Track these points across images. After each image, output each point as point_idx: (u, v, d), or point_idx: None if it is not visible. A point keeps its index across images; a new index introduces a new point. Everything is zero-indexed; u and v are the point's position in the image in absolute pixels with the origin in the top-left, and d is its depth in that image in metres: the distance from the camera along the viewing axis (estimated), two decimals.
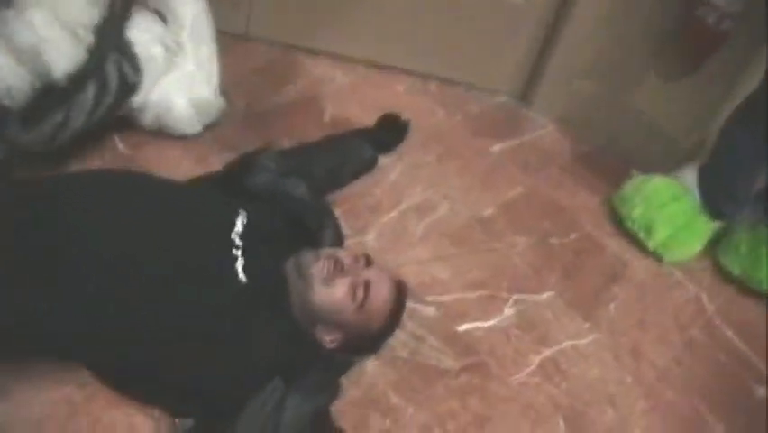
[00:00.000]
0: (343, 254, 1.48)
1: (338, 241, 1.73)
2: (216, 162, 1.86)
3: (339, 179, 1.93)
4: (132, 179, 1.50)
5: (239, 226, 1.46)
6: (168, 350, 1.32)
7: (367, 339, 1.53)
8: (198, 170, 1.83)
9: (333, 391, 1.45)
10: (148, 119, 1.86)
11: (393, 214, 1.97)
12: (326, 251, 1.50)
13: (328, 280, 1.41)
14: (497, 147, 2.29)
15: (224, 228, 1.44)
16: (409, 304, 1.68)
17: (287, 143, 2.00)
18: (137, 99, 1.78)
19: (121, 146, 1.88)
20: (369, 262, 1.51)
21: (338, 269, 1.43)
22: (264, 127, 2.07)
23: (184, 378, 1.35)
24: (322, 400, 1.40)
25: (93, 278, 1.26)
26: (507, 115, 2.43)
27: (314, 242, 1.62)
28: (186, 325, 1.32)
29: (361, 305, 1.42)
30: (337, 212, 1.84)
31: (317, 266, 1.43)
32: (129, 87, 1.72)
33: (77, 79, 1.57)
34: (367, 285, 1.43)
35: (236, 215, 1.48)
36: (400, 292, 1.54)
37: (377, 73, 2.37)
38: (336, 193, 1.91)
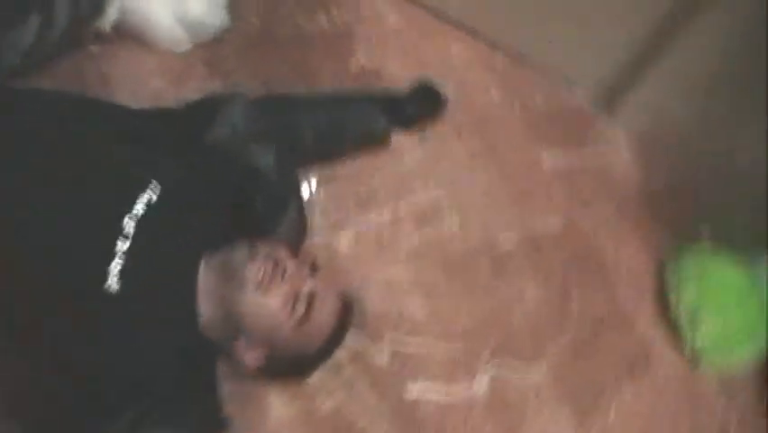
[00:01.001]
0: (285, 255, 1.18)
1: (298, 234, 1.38)
2: (195, 89, 1.50)
3: (332, 150, 1.54)
4: (44, 119, 1.16)
5: (139, 207, 1.10)
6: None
7: (296, 363, 1.24)
8: (170, 92, 1.47)
9: None
10: (123, 29, 1.46)
11: (385, 214, 1.57)
12: (265, 249, 1.18)
13: (264, 287, 1.13)
14: (549, 158, 1.82)
15: (118, 209, 1.09)
16: (358, 341, 1.32)
17: (290, 85, 1.58)
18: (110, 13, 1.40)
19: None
20: (315, 268, 1.21)
21: (277, 273, 1.14)
22: (271, 58, 1.66)
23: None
24: None
25: None
26: (577, 119, 1.93)
27: (263, 231, 1.26)
28: (37, 330, 1.06)
29: (300, 322, 1.15)
30: (316, 193, 1.45)
31: (252, 267, 1.14)
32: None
33: None
34: (310, 298, 1.16)
35: (143, 188, 1.12)
36: (347, 312, 1.25)
37: (435, 24, 1.88)
38: (323, 168, 1.51)
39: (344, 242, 1.49)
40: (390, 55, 1.78)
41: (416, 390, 1.39)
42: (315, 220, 1.45)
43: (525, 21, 1.85)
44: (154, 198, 1.12)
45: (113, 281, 1.04)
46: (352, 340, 1.36)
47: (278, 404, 1.29)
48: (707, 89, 1.82)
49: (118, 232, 1.06)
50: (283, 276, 1.15)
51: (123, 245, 1.06)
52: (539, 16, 1.81)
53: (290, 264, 1.17)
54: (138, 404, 1.04)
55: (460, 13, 1.88)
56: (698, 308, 1.68)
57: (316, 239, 1.43)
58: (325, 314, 1.20)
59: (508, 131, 1.81)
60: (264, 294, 1.13)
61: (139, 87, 1.49)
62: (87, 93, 1.38)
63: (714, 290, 1.69)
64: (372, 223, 1.54)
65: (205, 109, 1.34)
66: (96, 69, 1.48)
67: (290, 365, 1.23)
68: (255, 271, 1.13)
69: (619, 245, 1.76)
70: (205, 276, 1.15)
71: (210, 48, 1.60)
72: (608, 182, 1.85)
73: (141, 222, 1.09)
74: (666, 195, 1.85)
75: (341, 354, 1.35)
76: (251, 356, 1.17)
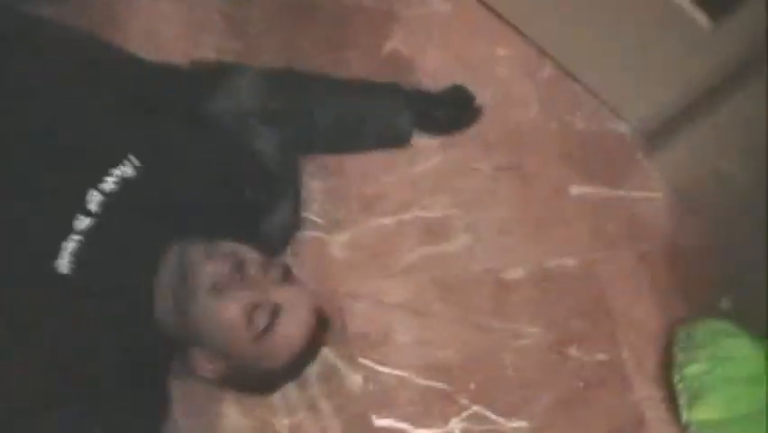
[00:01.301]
0: (251, 257, 1.04)
1: (286, 232, 1.24)
2: (210, 46, 1.36)
3: (346, 143, 1.40)
4: (24, 67, 1.03)
5: (110, 182, 0.96)
6: None
7: (256, 379, 1.11)
8: (182, 45, 1.33)
9: None
10: None
11: (388, 221, 1.43)
12: (226, 246, 1.04)
13: (219, 291, 0.99)
14: (577, 189, 1.66)
15: (83, 181, 0.95)
16: (331, 359, 1.19)
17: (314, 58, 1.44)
18: None
19: None
20: (287, 276, 1.07)
21: (237, 277, 1.01)
22: (299, 25, 1.51)
23: None
24: None
25: None
26: (615, 153, 1.75)
27: (248, 223, 1.13)
28: None
29: (259, 336, 1.02)
30: (317, 186, 1.31)
31: (208, 267, 1.00)
32: None
33: None
34: (274, 311, 1.02)
35: (117, 162, 0.97)
36: (321, 330, 1.12)
37: (486, 19, 1.71)
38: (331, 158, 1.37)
39: (338, 245, 1.36)
40: (429, 45, 1.63)
41: (383, 423, 1.26)
42: (311, 215, 1.31)
43: (582, 36, 1.68)
44: (130, 173, 0.99)
45: (63, 261, 0.91)
46: (324, 357, 1.23)
47: (233, 413, 1.18)
48: (758, 153, 1.64)
49: (79, 209, 0.94)
50: (244, 281, 1.01)
51: (83, 222, 0.93)
52: (597, 35, 1.65)
53: (255, 268, 1.03)
54: (75, 400, 0.94)
55: (512, 13, 1.71)
56: (703, 381, 1.53)
57: (308, 237, 1.29)
58: (293, 329, 1.06)
59: (540, 151, 1.65)
60: (218, 299, 1.00)
61: (149, 33, 1.36)
62: (93, 32, 1.23)
63: (724, 366, 1.54)
64: (373, 228, 1.40)
65: (212, 75, 1.21)
66: (105, 6, 1.34)
67: (250, 381, 1.11)
68: (210, 271, 1.00)
69: (633, 299, 1.61)
70: (165, 271, 1.02)
71: (234, 2, 1.45)
72: (634, 228, 1.69)
73: (109, 199, 0.96)
74: (693, 255, 1.68)
75: (310, 369, 1.23)
76: (205, 366, 1.05)
